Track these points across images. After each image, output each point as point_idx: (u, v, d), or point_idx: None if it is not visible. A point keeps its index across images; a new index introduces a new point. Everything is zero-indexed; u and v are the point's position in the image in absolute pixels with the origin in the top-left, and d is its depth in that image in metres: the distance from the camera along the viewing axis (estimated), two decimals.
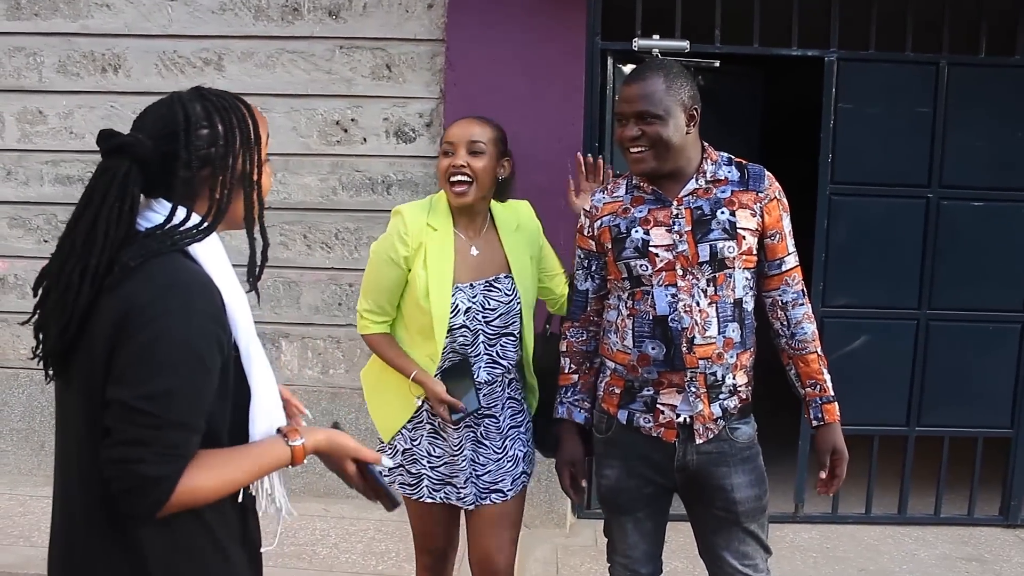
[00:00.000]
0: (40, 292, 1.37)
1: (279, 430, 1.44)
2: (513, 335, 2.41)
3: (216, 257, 1.38)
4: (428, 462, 2.41)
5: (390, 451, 2.43)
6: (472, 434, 2.40)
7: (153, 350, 1.25)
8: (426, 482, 2.42)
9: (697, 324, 2.07)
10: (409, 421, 2.42)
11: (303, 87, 3.91)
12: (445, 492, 2.42)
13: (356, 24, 3.86)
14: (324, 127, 3.93)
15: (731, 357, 2.10)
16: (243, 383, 1.38)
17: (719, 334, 2.08)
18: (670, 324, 2.08)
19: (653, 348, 2.11)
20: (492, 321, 2.36)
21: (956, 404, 4.00)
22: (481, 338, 2.36)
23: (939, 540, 3.93)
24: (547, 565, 3.58)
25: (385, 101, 3.90)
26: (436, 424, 2.39)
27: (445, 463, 2.41)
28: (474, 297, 2.33)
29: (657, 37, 3.75)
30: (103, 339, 1.28)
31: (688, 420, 2.12)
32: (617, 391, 2.22)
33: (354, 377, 4.02)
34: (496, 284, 2.37)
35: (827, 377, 2.20)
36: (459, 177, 2.30)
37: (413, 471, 2.42)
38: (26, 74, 3.97)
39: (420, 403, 2.38)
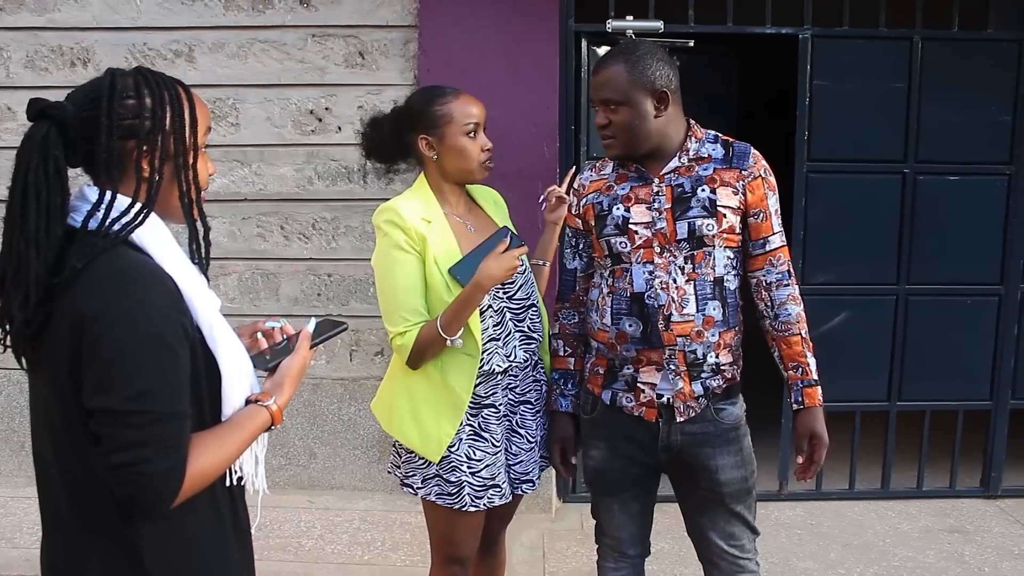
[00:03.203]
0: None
1: (249, 399, 1.45)
2: (536, 306, 2.34)
3: (163, 243, 1.36)
4: (468, 467, 2.22)
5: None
6: (508, 423, 2.29)
7: (123, 351, 1.25)
8: (467, 490, 2.21)
9: (674, 301, 2.07)
10: None
11: (276, 77, 3.87)
12: (488, 497, 2.24)
13: (327, 12, 3.82)
14: (298, 116, 3.90)
15: (712, 336, 2.09)
16: (212, 362, 1.38)
17: (698, 312, 2.07)
18: (646, 301, 2.08)
19: (630, 325, 2.10)
20: (514, 295, 2.28)
21: (936, 378, 4.03)
22: (508, 316, 2.26)
23: (922, 513, 3.96)
24: (533, 550, 3.58)
25: (359, 89, 3.87)
26: (476, 424, 2.24)
27: (487, 466, 2.24)
28: None
29: (631, 18, 3.74)
30: (63, 344, 1.28)
31: (669, 399, 2.12)
32: (601, 371, 2.22)
33: (335, 368, 4.01)
34: None
35: (811, 360, 2.17)
36: (490, 156, 2.27)
37: (452, 479, 2.22)
38: None
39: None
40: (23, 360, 1.39)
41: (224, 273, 3.96)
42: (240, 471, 1.50)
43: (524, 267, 2.33)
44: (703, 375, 2.12)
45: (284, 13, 3.83)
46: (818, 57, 3.82)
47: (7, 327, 1.36)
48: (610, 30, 3.73)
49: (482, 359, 2.21)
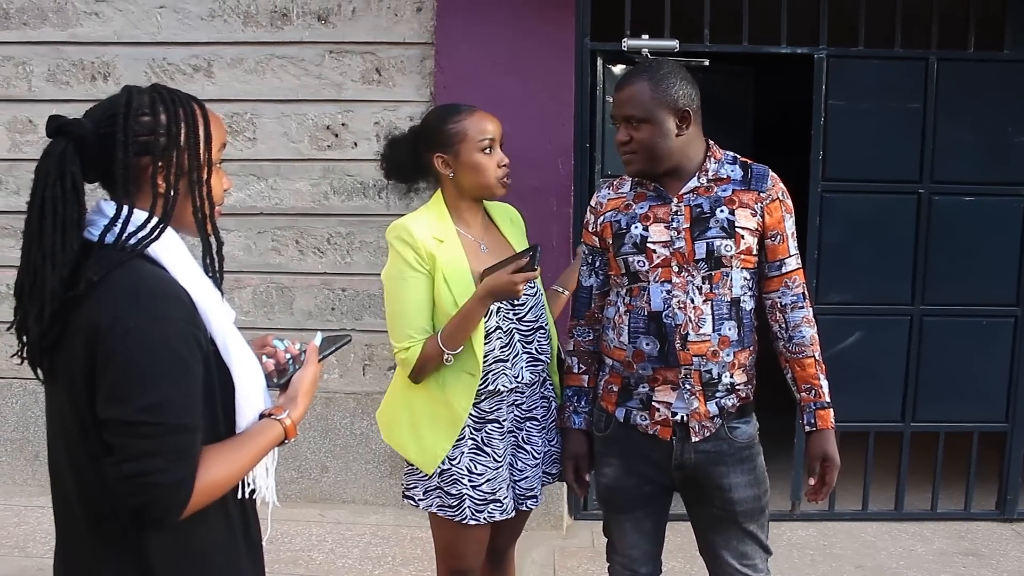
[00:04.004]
0: (18, 294, 1.38)
1: (263, 414, 1.46)
2: (544, 328, 2.33)
3: (179, 256, 1.38)
4: (469, 481, 2.23)
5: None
6: (513, 439, 2.31)
7: (137, 363, 1.26)
8: (468, 503, 2.23)
9: (691, 321, 2.07)
10: None
11: (293, 92, 3.90)
12: (489, 511, 2.25)
13: (345, 28, 3.86)
14: (315, 132, 3.93)
15: (727, 355, 2.09)
16: (226, 375, 1.40)
17: (714, 332, 2.07)
18: (664, 320, 2.08)
19: (647, 344, 2.10)
20: (524, 317, 2.28)
21: (951, 399, 4.00)
22: (516, 337, 2.26)
23: (936, 535, 3.93)
24: (544, 567, 3.57)
25: (375, 105, 3.89)
26: (479, 439, 2.25)
27: (488, 480, 2.24)
28: None
29: (646, 37, 3.75)
30: (78, 355, 1.29)
31: (684, 418, 2.12)
32: (615, 389, 2.22)
33: (348, 382, 4.02)
34: None
35: (823, 383, 2.17)
36: (507, 172, 2.27)
37: (453, 492, 2.24)
38: (15, 83, 3.97)
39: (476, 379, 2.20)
40: (40, 371, 1.40)
41: (239, 287, 3.98)
42: (253, 483, 1.51)
43: (535, 290, 2.33)
44: (718, 394, 2.11)
45: (302, 29, 3.86)
46: (833, 77, 3.82)
47: (24, 339, 1.38)
48: (626, 49, 3.75)
49: (487, 380, 2.22)
